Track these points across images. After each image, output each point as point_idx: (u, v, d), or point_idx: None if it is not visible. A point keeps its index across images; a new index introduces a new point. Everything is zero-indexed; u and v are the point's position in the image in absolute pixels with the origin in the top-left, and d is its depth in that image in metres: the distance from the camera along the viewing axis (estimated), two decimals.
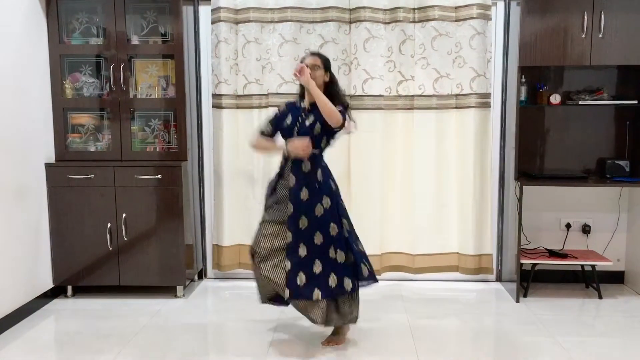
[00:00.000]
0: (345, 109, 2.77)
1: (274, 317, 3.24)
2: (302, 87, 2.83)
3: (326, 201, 2.76)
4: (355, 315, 2.85)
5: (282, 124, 2.88)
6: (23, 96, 3.32)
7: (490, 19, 3.72)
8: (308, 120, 2.79)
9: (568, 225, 3.91)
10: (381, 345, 2.93)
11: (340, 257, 2.76)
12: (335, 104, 2.72)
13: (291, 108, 2.91)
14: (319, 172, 2.79)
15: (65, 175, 3.55)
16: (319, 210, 2.74)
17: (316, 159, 2.80)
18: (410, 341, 2.97)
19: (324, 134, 2.79)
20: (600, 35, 3.39)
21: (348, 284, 2.75)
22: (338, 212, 2.80)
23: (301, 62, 2.81)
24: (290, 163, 2.80)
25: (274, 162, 3.76)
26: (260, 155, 2.88)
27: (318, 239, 2.73)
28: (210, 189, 4.00)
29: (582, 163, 3.81)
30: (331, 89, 2.81)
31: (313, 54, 2.89)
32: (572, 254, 3.74)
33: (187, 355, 2.82)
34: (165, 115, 3.79)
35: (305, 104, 2.83)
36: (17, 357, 2.82)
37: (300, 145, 2.73)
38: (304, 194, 2.75)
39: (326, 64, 2.83)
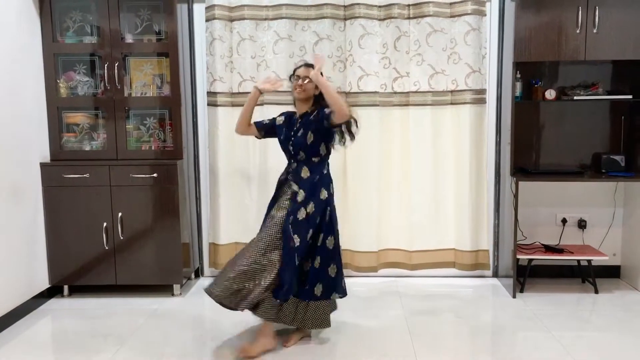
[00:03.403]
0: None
1: None
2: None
3: (310, 207, 2.75)
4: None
5: (280, 134, 2.91)
6: (17, 95, 3.31)
7: (485, 15, 3.72)
8: (300, 131, 2.80)
9: (564, 221, 3.92)
10: (378, 341, 2.93)
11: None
12: (327, 118, 2.69)
13: (289, 120, 2.92)
14: (317, 178, 2.80)
15: (61, 174, 3.54)
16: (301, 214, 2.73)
17: (316, 167, 2.80)
18: (407, 337, 2.97)
19: (321, 141, 2.78)
20: (594, 31, 3.39)
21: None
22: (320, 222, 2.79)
23: (294, 72, 2.85)
24: (292, 170, 2.83)
25: (270, 160, 3.80)
26: (241, 127, 2.97)
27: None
28: (206, 187, 4.00)
29: (578, 158, 3.81)
30: (321, 100, 2.77)
31: (307, 65, 2.85)
32: (568, 249, 3.75)
33: (184, 354, 2.82)
34: (161, 114, 3.78)
35: (297, 114, 2.88)
36: (14, 358, 2.81)
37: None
38: (300, 197, 2.75)
39: None
